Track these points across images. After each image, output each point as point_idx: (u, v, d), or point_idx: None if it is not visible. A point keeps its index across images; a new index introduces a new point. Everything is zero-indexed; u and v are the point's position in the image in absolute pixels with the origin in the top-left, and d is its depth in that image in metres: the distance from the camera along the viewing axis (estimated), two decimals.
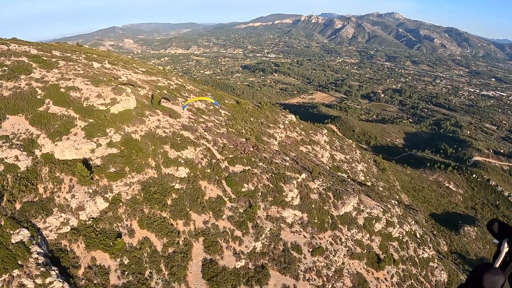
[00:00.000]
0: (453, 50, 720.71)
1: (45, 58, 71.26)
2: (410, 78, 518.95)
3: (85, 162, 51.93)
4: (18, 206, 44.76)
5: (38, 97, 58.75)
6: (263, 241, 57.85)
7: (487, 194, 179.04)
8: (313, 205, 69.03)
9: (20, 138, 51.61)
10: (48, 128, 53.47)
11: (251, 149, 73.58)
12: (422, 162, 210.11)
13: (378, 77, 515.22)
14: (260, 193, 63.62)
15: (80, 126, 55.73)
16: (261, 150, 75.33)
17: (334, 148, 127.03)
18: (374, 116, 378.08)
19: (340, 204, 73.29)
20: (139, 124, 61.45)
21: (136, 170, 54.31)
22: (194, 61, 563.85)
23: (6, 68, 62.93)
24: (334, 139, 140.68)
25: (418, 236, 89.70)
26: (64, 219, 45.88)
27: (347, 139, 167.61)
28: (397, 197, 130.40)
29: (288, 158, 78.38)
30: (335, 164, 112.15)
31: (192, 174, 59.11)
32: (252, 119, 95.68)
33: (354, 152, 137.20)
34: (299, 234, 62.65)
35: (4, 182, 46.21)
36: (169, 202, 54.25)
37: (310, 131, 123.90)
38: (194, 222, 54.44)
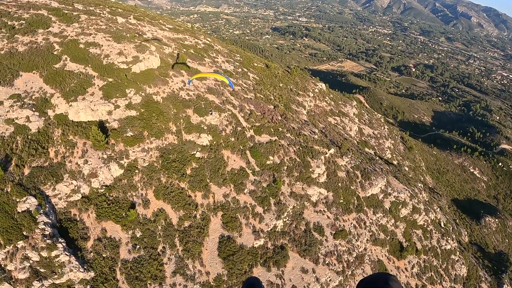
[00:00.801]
0: (489, 31, 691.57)
1: (65, 12, 67.29)
2: (443, 54, 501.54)
3: (101, 124, 48.36)
4: (26, 171, 41.69)
5: (55, 53, 55.09)
6: (284, 220, 54.17)
7: (511, 184, 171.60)
8: (339, 184, 65.00)
9: (33, 97, 48.23)
10: (63, 86, 49.90)
11: (279, 117, 69.16)
12: (449, 144, 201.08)
13: (410, 51, 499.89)
14: (285, 167, 59.54)
15: (97, 85, 51.99)
16: (289, 120, 70.83)
17: (363, 122, 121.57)
18: (403, 90, 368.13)
19: (367, 185, 69.03)
20: (161, 85, 57.43)
21: (155, 135, 50.53)
22: (224, 20, 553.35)
23: (24, 22, 59.39)
24: (363, 112, 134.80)
25: (442, 225, 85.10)
26: (75, 186, 42.71)
27: (376, 113, 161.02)
28: (422, 178, 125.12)
29: (317, 131, 73.89)
30: (363, 138, 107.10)
31: (214, 142, 55.13)
32: (281, 85, 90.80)
33: (382, 128, 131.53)
34: (323, 215, 58.98)
35: (13, 145, 43.08)
36: (188, 171, 50.53)
37: (340, 102, 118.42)
38: (213, 195, 50.78)
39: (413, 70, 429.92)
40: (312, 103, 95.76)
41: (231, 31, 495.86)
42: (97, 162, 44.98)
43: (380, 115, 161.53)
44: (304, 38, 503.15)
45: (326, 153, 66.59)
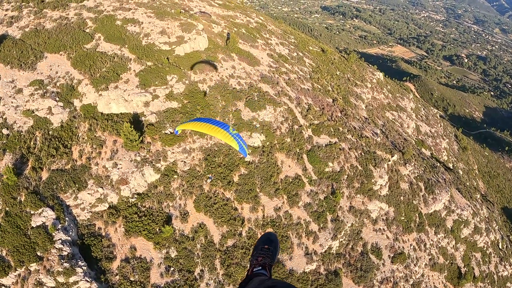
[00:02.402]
0: None
1: None
2: (497, 47, 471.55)
3: (136, 118, 40.74)
4: (44, 175, 34.91)
5: (87, 30, 47.93)
6: (341, 240, 45.67)
7: None
8: (401, 198, 55.98)
9: (57, 84, 41.31)
10: (93, 71, 42.54)
11: (339, 114, 60.13)
12: (500, 144, 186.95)
13: (463, 40, 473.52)
14: (346, 176, 50.66)
15: (134, 70, 44.31)
16: (349, 117, 61.60)
17: (420, 118, 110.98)
18: (454, 81, 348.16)
19: (431, 200, 59.61)
20: (209, 71, 49.15)
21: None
22: None
23: None
24: (420, 106, 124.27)
25: (500, 246, 74.78)
26: (101, 194, 35.50)
27: (432, 108, 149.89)
28: (475, 183, 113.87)
29: (379, 131, 64.40)
30: (419, 137, 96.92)
31: (268, 143, 46.50)
32: (338, 73, 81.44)
33: (439, 125, 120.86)
34: (382, 234, 50.60)
35: (31, 143, 36.28)
36: (235, 178, 42.21)
37: (397, 94, 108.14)
38: (263, 208, 42.32)
39: (466, 60, 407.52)
40: (369, 95, 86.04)
41: (279, 7, 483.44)
42: (129, 166, 37.37)
43: (435, 110, 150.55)
44: (354, 19, 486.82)
45: (389, 160, 57.43)
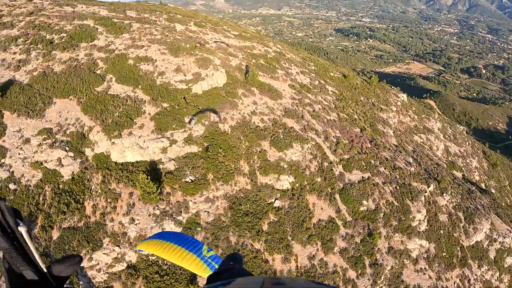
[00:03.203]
0: None
1: (115, 21, 57.84)
2: None
3: (153, 166, 37.22)
4: (55, 234, 31.63)
5: (98, 71, 44.95)
6: (381, 285, 41.23)
7: None
8: (441, 231, 51.42)
9: (67, 132, 38.11)
10: (105, 117, 39.29)
11: (369, 145, 56.13)
12: None
13: (479, 51, 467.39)
14: (382, 214, 46.35)
15: (149, 113, 41.00)
16: (380, 147, 57.50)
17: (447, 138, 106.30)
18: (474, 94, 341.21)
19: (471, 231, 54.91)
20: (229, 109, 45.75)
21: (223, 179, 38.63)
22: (286, 22, 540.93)
23: (65, 35, 50.39)
24: (446, 125, 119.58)
25: None
26: (118, 253, 31.85)
27: (458, 125, 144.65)
28: (508, 201, 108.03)
29: (411, 160, 60.04)
30: (449, 158, 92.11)
31: (297, 185, 42.55)
32: (362, 99, 77.69)
33: (467, 143, 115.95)
34: (424, 274, 45.90)
35: (40, 198, 33.04)
36: (265, 227, 38.17)
37: (423, 115, 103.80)
38: (296, 257, 38.11)
39: (483, 71, 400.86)
40: (395, 119, 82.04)
41: (294, 33, 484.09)
42: (147, 221, 33.75)
43: (461, 127, 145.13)
44: (368, 39, 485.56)
45: (426, 192, 53.07)
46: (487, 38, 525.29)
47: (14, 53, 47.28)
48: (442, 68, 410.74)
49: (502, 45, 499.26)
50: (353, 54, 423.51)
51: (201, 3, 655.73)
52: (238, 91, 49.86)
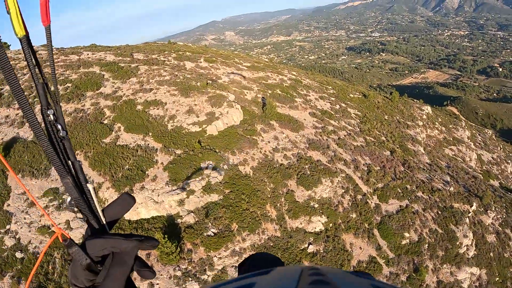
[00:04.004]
0: None
1: (122, 65, 55.23)
2: None
3: (171, 221, 33.68)
4: None
5: (105, 121, 42.02)
6: None
7: None
8: (491, 254, 46.73)
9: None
10: (114, 171, 35.98)
11: (402, 168, 51.97)
12: None
13: (492, 49, 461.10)
14: (426, 245, 41.85)
15: (161, 163, 37.61)
16: (414, 169, 53.25)
17: (478, 145, 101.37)
18: (494, 94, 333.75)
19: None
20: (249, 149, 42.23)
21: (249, 228, 34.83)
22: (297, 47, 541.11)
23: (70, 85, 47.93)
24: (474, 132, 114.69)
25: None
26: None
27: (487, 130, 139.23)
28: None
29: (449, 178, 55.62)
30: (484, 167, 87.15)
31: (331, 225, 38.45)
32: (386, 117, 73.77)
33: (498, 148, 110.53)
34: None
35: (50, 267, 29.58)
36: None
37: (450, 126, 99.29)
38: None
39: (500, 70, 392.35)
40: (423, 134, 77.77)
41: (306, 57, 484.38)
42: (168, 284, 30.02)
43: (490, 132, 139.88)
44: (381, 53, 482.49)
45: (469, 212, 48.59)
46: (499, 36, 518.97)
47: (18, 108, 44.89)
48: (459, 73, 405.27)
49: None
50: (367, 70, 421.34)
51: (212, 37, 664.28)
52: (257, 127, 46.47)
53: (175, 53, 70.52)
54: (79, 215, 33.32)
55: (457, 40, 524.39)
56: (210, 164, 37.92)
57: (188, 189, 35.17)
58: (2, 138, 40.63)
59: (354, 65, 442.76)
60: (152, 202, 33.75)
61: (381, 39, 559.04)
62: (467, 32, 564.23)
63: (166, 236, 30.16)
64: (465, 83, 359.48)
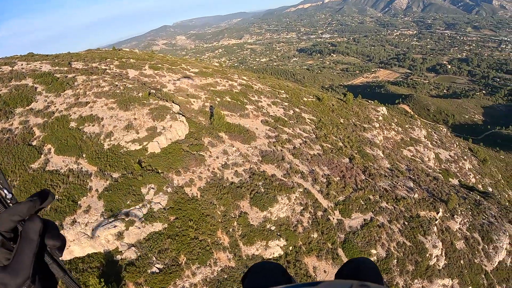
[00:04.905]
0: None
1: (57, 76, 50.36)
2: (474, 45, 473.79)
3: (109, 258, 29.39)
4: None
5: (34, 143, 37.42)
6: None
7: None
8: (461, 262, 44.87)
9: None
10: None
11: (363, 176, 49.21)
12: (510, 141, 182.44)
13: (440, 47, 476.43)
14: (395, 260, 39.19)
15: (96, 190, 33.22)
16: (375, 176, 50.60)
17: (435, 144, 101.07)
18: (444, 91, 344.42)
19: (492, 251, 48.37)
20: (195, 167, 38.26)
21: (199, 260, 30.90)
22: (249, 49, 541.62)
23: None
24: (430, 130, 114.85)
25: None
26: None
27: (441, 127, 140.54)
28: (506, 196, 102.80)
29: (412, 184, 53.30)
30: (442, 166, 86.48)
31: (291, 248, 35.00)
32: (342, 121, 71.30)
33: (455, 145, 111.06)
34: None
35: None
36: None
37: (406, 126, 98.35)
38: None
39: (449, 67, 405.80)
40: (381, 136, 75.94)
41: (257, 59, 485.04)
42: None
43: (444, 129, 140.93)
44: (331, 54, 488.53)
45: (436, 219, 46.35)
46: (446, 34, 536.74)
47: None
48: (409, 71, 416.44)
49: (462, 38, 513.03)
50: (319, 71, 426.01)
51: (163, 42, 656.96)
52: (204, 141, 42.59)
53: (118, 60, 65.77)
54: None
55: (406, 40, 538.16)
56: (152, 188, 33.77)
57: (127, 219, 30.92)
58: None
59: (306, 67, 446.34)
60: (86, 238, 29.36)
61: (331, 40, 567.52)
62: (415, 32, 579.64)
63: (102, 280, 25.90)
64: (416, 81, 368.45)
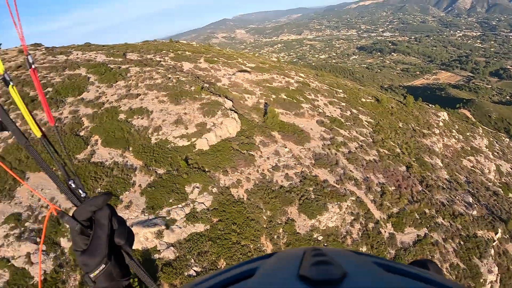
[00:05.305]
0: None
1: (111, 66, 50.23)
2: None
3: (146, 256, 28.27)
4: None
5: (82, 133, 37.00)
6: None
7: None
8: None
9: (39, 218, 29.69)
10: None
11: (419, 187, 46.18)
12: None
13: (504, 51, 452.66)
14: None
15: (139, 185, 32.26)
16: (433, 188, 47.33)
17: (496, 155, 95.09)
18: (507, 97, 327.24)
19: None
20: (244, 167, 36.63)
21: None
22: (308, 45, 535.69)
23: (51, 90, 43.27)
24: (492, 139, 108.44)
25: None
26: None
27: (503, 136, 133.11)
28: None
29: (471, 199, 49.71)
30: (503, 180, 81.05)
31: None
32: (401, 125, 67.86)
33: None
34: None
35: None
36: None
37: (468, 133, 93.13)
38: None
39: None
40: (440, 144, 71.86)
41: (316, 56, 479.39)
42: None
43: (507, 138, 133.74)
44: (392, 53, 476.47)
45: (494, 241, 42.77)
46: (511, 37, 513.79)
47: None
48: (471, 74, 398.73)
49: None
50: (378, 70, 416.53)
51: (222, 35, 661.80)
52: (256, 139, 40.87)
53: (174, 52, 65.25)
54: (44, 245, 28.38)
55: (469, 41, 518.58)
56: (197, 187, 32.43)
57: (168, 218, 29.72)
58: None
59: (365, 65, 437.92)
60: None
61: (392, 39, 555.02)
62: (479, 33, 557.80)
63: (136, 280, 24.77)
64: (478, 85, 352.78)
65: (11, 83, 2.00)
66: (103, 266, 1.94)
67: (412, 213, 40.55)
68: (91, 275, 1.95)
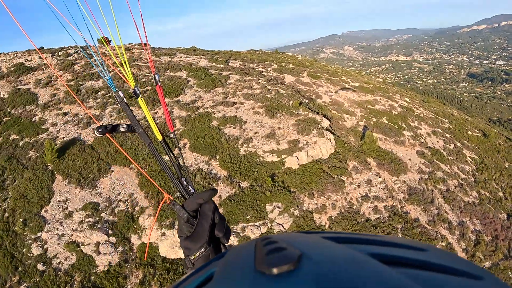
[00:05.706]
0: None
1: (212, 72, 50.55)
2: None
3: None
4: None
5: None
6: None
7: None
8: None
9: (115, 211, 29.96)
10: (160, 198, 30.55)
11: None
12: None
13: None
14: None
15: (220, 196, 31.47)
16: None
17: None
18: None
19: None
20: (332, 192, 34.60)
21: None
22: (416, 68, 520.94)
23: (150, 89, 44.92)
24: None
25: None
26: None
27: None
28: None
29: None
30: None
31: None
32: (507, 165, 62.00)
33: None
34: None
35: None
36: None
37: None
38: None
39: None
40: None
41: (424, 80, 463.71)
42: None
43: None
44: (504, 84, 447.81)
45: None
46: None
47: (89, 107, 41.54)
48: None
49: None
50: (488, 101, 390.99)
51: (331, 51, 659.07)
52: (349, 164, 38.65)
53: (277, 64, 64.56)
54: (111, 239, 28.40)
55: None
56: (278, 207, 30.93)
57: (242, 234, 28.50)
58: (64, 138, 37.46)
59: (475, 94, 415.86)
60: None
61: (505, 68, 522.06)
62: None
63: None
64: None
65: (140, 96, 2.34)
66: (203, 250, 2.07)
67: (505, 271, 36.33)
68: (191, 257, 2.09)
